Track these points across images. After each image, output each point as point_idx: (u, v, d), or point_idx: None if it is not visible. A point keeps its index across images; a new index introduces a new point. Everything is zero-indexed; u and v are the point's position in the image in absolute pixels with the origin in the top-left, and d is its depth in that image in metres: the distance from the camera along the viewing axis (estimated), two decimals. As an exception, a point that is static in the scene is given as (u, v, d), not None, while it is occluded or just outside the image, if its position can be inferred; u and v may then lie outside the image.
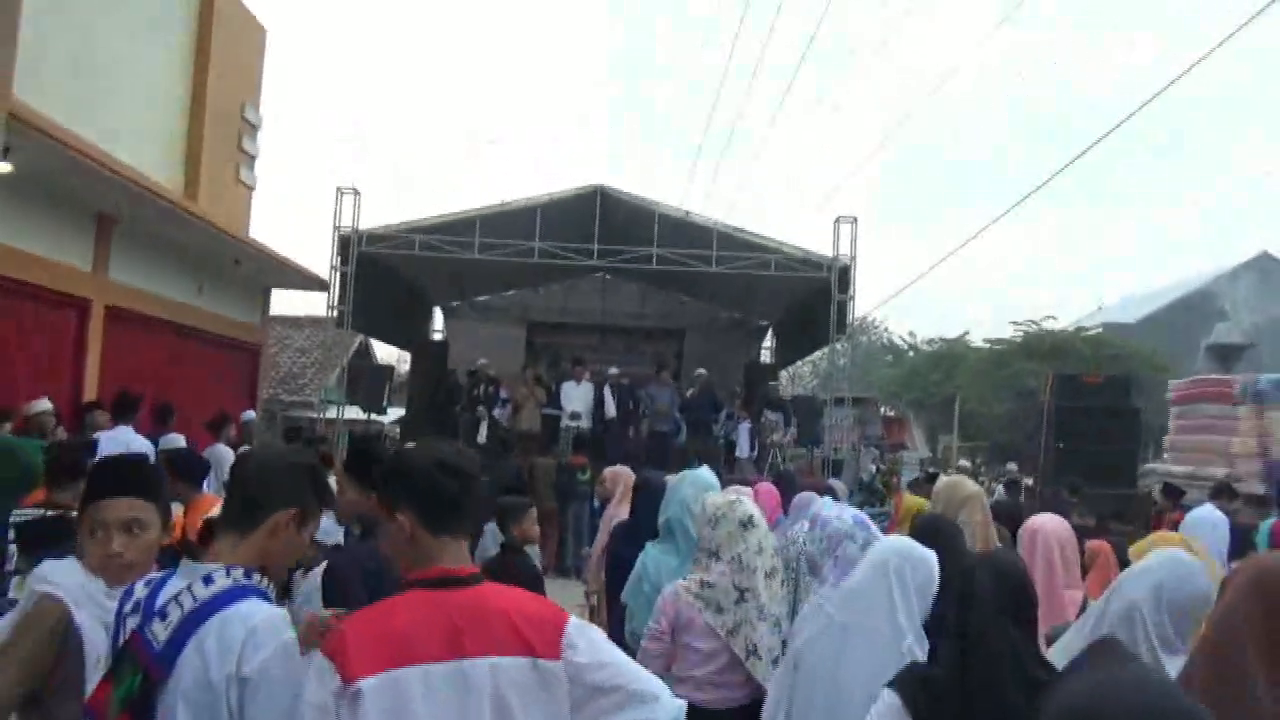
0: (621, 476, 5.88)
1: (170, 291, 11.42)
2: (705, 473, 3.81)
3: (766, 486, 5.33)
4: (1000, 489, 15.11)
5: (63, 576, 2.22)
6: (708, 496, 3.03)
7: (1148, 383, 29.85)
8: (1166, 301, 37.45)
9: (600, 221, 13.48)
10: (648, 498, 5.53)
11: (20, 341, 8.53)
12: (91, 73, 9.69)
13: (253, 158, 13.87)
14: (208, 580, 1.84)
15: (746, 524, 2.89)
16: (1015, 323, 36.77)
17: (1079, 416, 12.03)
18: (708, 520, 2.91)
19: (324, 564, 2.79)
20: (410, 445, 2.01)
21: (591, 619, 5.71)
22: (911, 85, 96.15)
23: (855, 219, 13.36)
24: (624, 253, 13.91)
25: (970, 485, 4.35)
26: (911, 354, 41.05)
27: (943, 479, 4.72)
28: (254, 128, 13.86)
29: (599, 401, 14.03)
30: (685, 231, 13.69)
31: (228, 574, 1.86)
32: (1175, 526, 9.14)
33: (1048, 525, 3.22)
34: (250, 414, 11.54)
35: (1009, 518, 4.37)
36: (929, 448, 28.78)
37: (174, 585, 1.86)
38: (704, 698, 2.93)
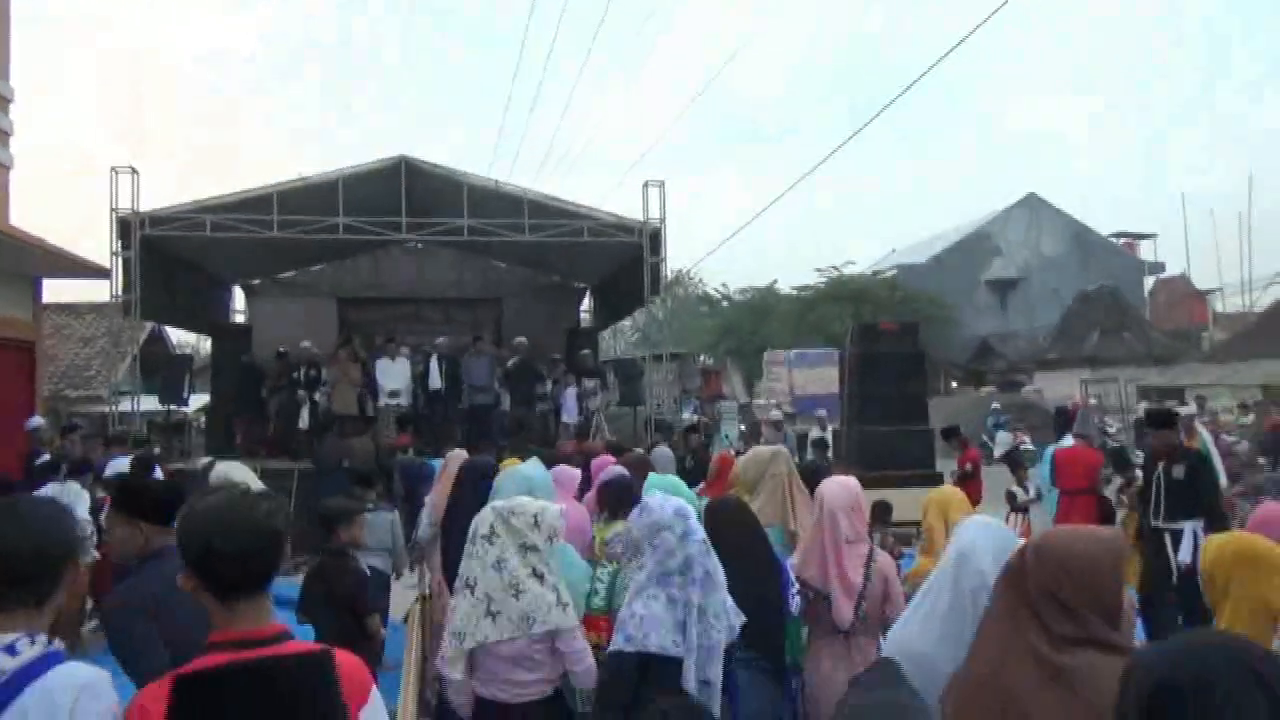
0: (452, 460, 5.83)
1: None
2: (526, 471, 3.83)
3: (604, 459, 5.46)
4: (815, 429, 16.02)
5: None
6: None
7: (937, 322, 32.36)
8: (950, 243, 40.44)
9: (407, 194, 13.10)
10: (472, 482, 5.54)
11: None
12: None
13: (6, 134, 12.50)
14: (11, 650, 1.72)
15: (489, 538, 3.05)
16: (819, 269, 38.80)
17: (876, 362, 12.90)
18: (469, 538, 3.09)
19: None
20: (208, 503, 1.91)
21: (425, 606, 5.69)
22: (715, 47, 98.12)
23: (663, 183, 13.65)
24: (434, 225, 13.60)
25: (766, 448, 4.77)
26: (726, 305, 42.47)
27: (744, 455, 5.05)
28: (5, 100, 12.48)
29: (421, 376, 13.75)
30: (496, 201, 13.54)
31: (32, 641, 1.75)
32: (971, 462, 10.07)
33: (830, 488, 3.54)
34: (37, 420, 10.54)
35: (810, 474, 4.69)
36: (746, 395, 30.00)
37: None
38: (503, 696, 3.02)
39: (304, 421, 13.19)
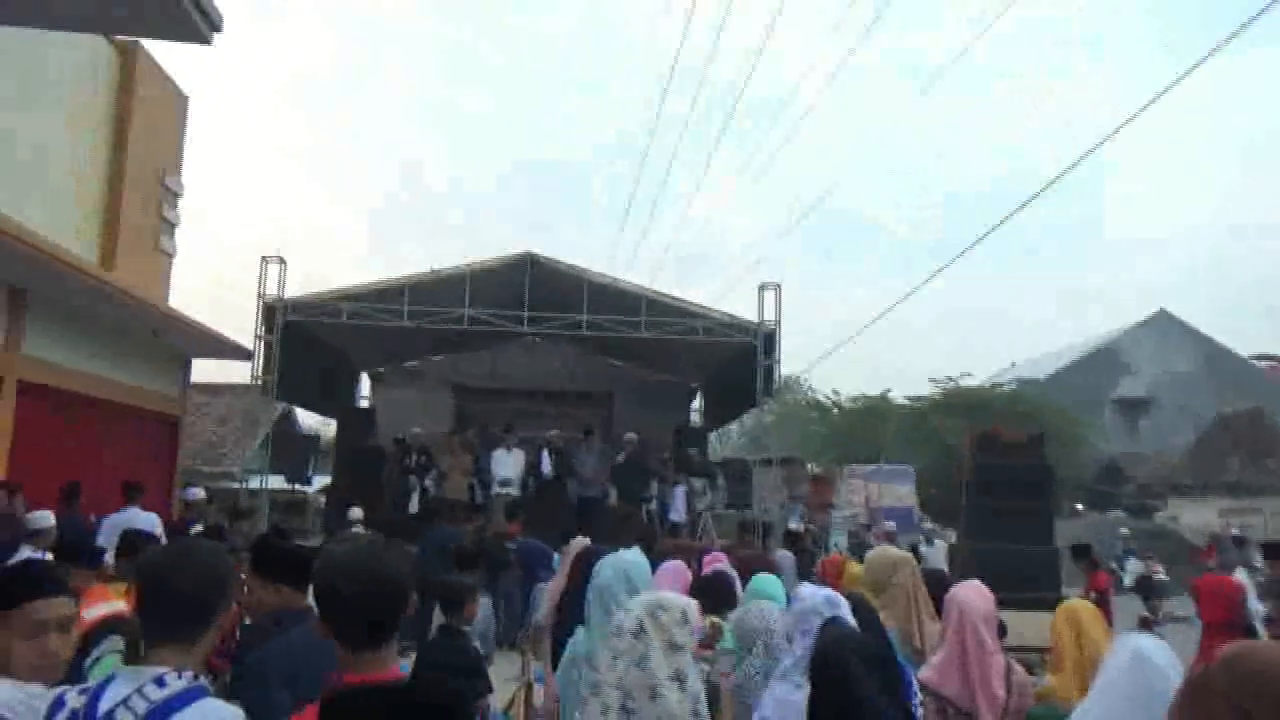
0: (574, 547, 5.88)
1: (85, 364, 11.08)
2: (627, 557, 3.82)
3: (677, 565, 5.41)
4: (923, 543, 15.42)
5: (1, 696, 2.15)
6: (621, 605, 3.07)
7: (1061, 438, 31.01)
8: (1074, 358, 39.05)
9: (530, 288, 13.60)
10: (587, 570, 5.54)
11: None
12: (6, 139, 9.49)
13: (173, 226, 13.64)
14: (160, 682, 1.82)
15: (637, 634, 2.94)
16: (934, 380, 37.93)
17: (997, 475, 12.41)
18: (613, 631, 2.95)
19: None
20: (337, 550, 1.99)
21: (529, 694, 5.66)
22: (833, 154, 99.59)
23: (779, 285, 13.77)
24: (553, 319, 14.01)
25: (897, 552, 4.50)
26: (836, 412, 41.81)
27: (872, 550, 4.87)
28: (175, 195, 13.65)
29: (533, 466, 13.99)
30: (614, 297, 13.89)
31: (180, 675, 1.85)
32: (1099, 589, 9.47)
33: (968, 595, 3.36)
34: (196, 492, 11.15)
35: (936, 583, 4.51)
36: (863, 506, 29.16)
37: (119, 690, 1.82)
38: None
39: (414, 505, 13.53)
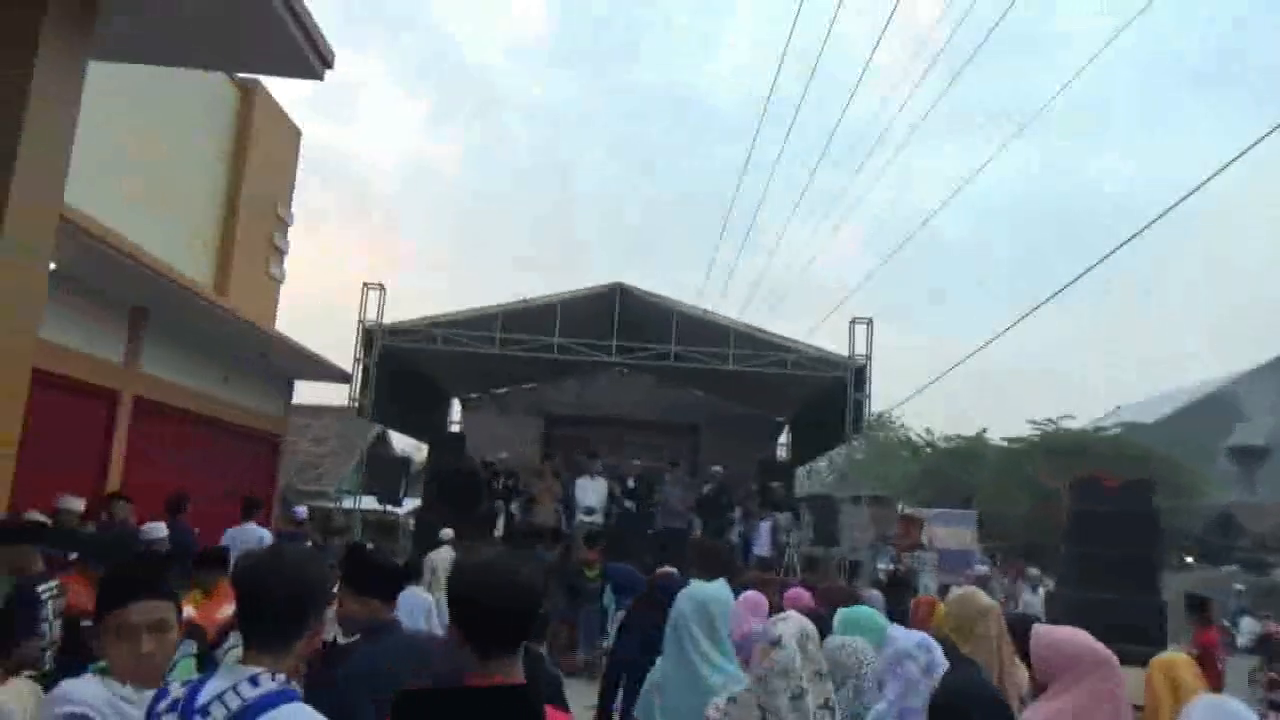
0: (660, 576, 5.88)
1: (197, 382, 11.64)
2: (707, 589, 3.79)
3: (799, 591, 5.32)
4: (1027, 590, 14.88)
5: (87, 694, 2.23)
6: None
7: (1170, 486, 29.54)
8: (1184, 402, 37.26)
9: (619, 318, 13.73)
10: (656, 598, 5.52)
11: (51, 433, 8.70)
12: (131, 170, 10.11)
13: (283, 253, 14.29)
14: (254, 681, 1.90)
15: (774, 643, 2.88)
16: (1033, 421, 36.66)
17: (1100, 521, 11.89)
18: (777, 671, 2.89)
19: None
20: (476, 557, 2.04)
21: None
22: (927, 188, 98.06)
23: (870, 320, 13.57)
24: (642, 349, 14.09)
25: (984, 598, 4.31)
26: (929, 451, 40.77)
27: (955, 591, 4.68)
28: (285, 224, 14.32)
29: (617, 495, 14.03)
30: (703, 329, 13.91)
31: (273, 677, 1.92)
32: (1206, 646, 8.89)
33: (1084, 642, 3.21)
34: (303, 511, 11.62)
35: (1021, 628, 4.32)
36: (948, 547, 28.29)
37: (216, 685, 1.90)
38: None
39: (499, 530, 13.70)
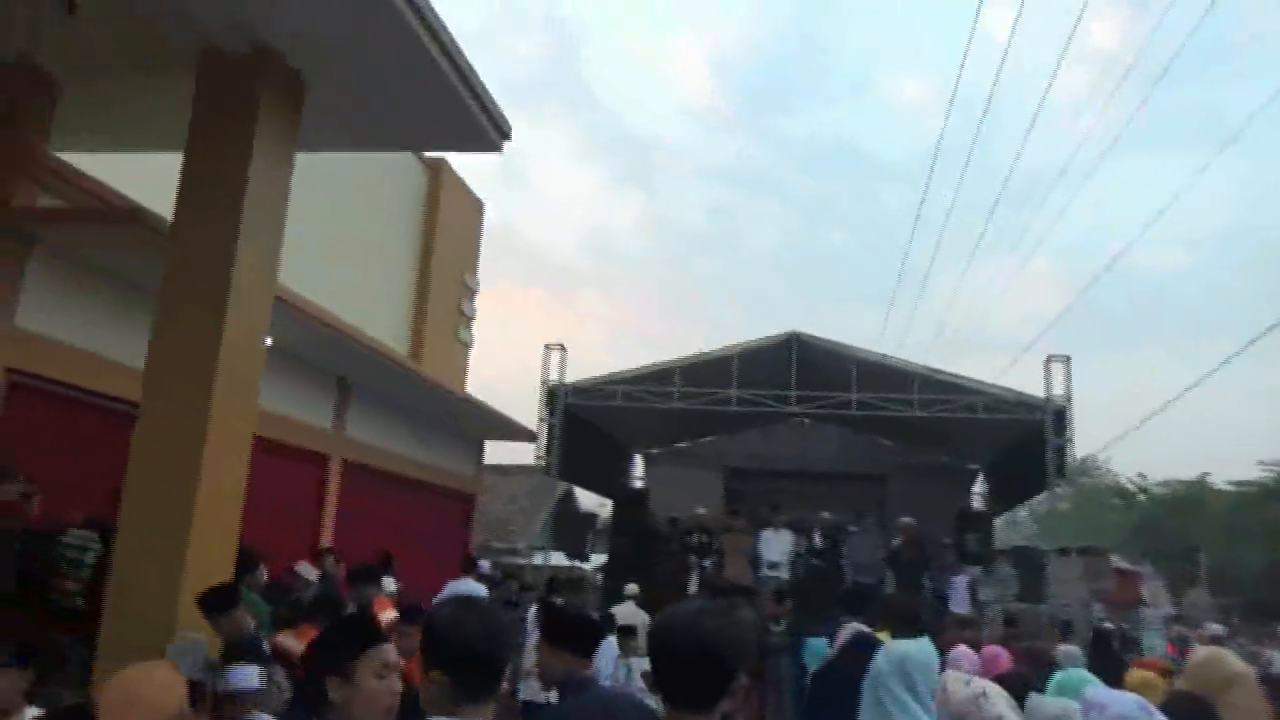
0: (846, 633, 5.67)
1: (397, 445, 12.35)
2: (907, 648, 3.56)
3: (997, 650, 4.97)
4: (1277, 653, 13.25)
5: None
6: (948, 681, 2.77)
7: None
8: None
9: (797, 368, 13.53)
10: (854, 656, 5.27)
11: (271, 494, 9.44)
12: (334, 251, 10.98)
13: (470, 319, 15.06)
14: None
15: (981, 695, 2.66)
16: (1263, 463, 33.04)
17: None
18: (950, 715, 2.66)
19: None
20: (679, 609, 1.99)
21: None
22: (1119, 220, 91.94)
23: (1068, 358, 12.72)
24: (822, 398, 13.80)
25: (1235, 663, 3.82)
26: (1143, 498, 37.56)
27: (1199, 652, 4.19)
28: (472, 291, 15.11)
29: (803, 551, 13.68)
30: (884, 375, 13.48)
31: None
32: None
33: None
34: (485, 564, 12.13)
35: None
36: (1171, 605, 25.73)
37: None
38: None
39: (693, 587, 13.61)
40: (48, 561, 4.70)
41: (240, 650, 3.75)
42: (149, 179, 6.22)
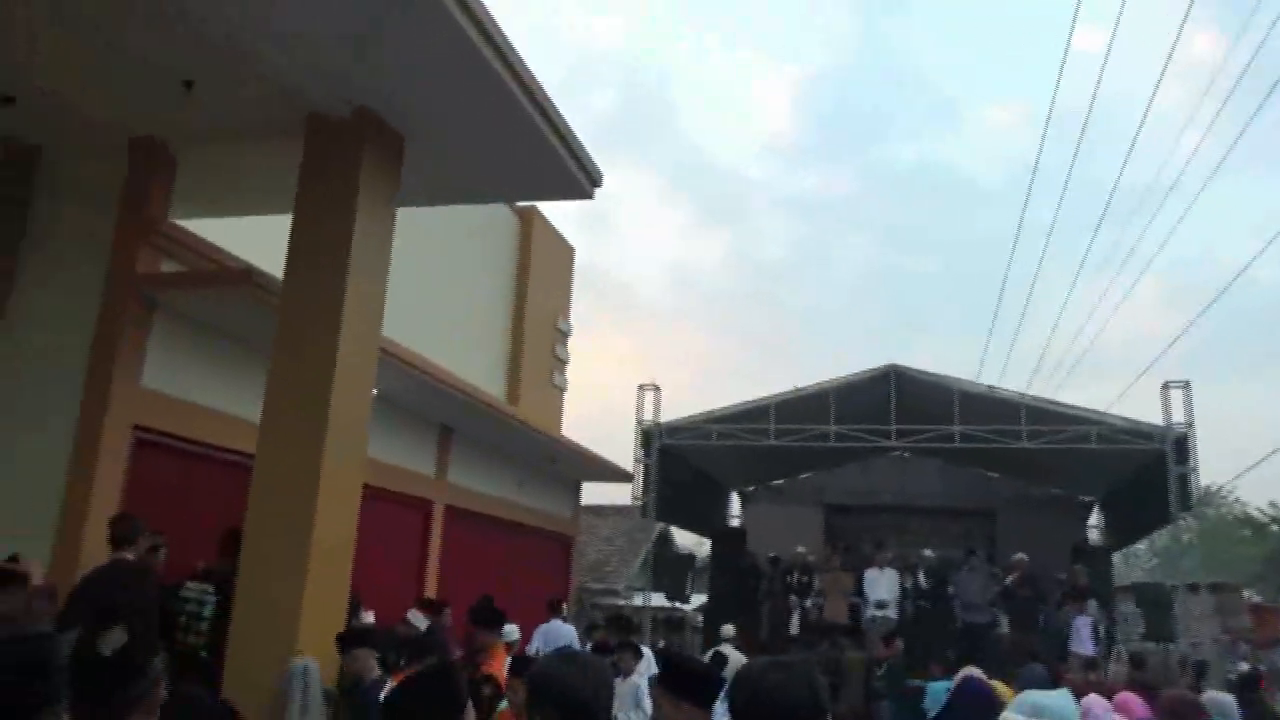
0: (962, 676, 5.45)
1: (496, 489, 12.52)
2: (1044, 701, 3.35)
3: (1128, 697, 4.69)
4: None
5: None
6: None
7: None
8: None
9: (896, 401, 13.23)
10: (966, 705, 5.03)
11: (378, 538, 9.66)
12: (433, 302, 11.28)
13: (564, 362, 15.25)
14: None
15: None
16: None
17: None
18: None
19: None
20: (760, 667, 1.98)
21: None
22: (1231, 235, 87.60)
23: (1187, 383, 12.10)
24: (922, 432, 13.45)
25: None
26: (1276, 529, 35.26)
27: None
28: (564, 335, 15.32)
29: (908, 588, 13.28)
30: (987, 406, 13.05)
31: None
32: None
33: None
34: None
35: None
36: (1317, 642, 23.93)
37: None
38: None
39: (794, 628, 13.34)
40: (170, 614, 4.88)
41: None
42: (262, 241, 6.53)
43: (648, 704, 6.57)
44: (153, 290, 6.24)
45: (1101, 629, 12.49)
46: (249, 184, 6.55)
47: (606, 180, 6.09)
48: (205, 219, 6.86)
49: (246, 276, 6.09)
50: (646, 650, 7.64)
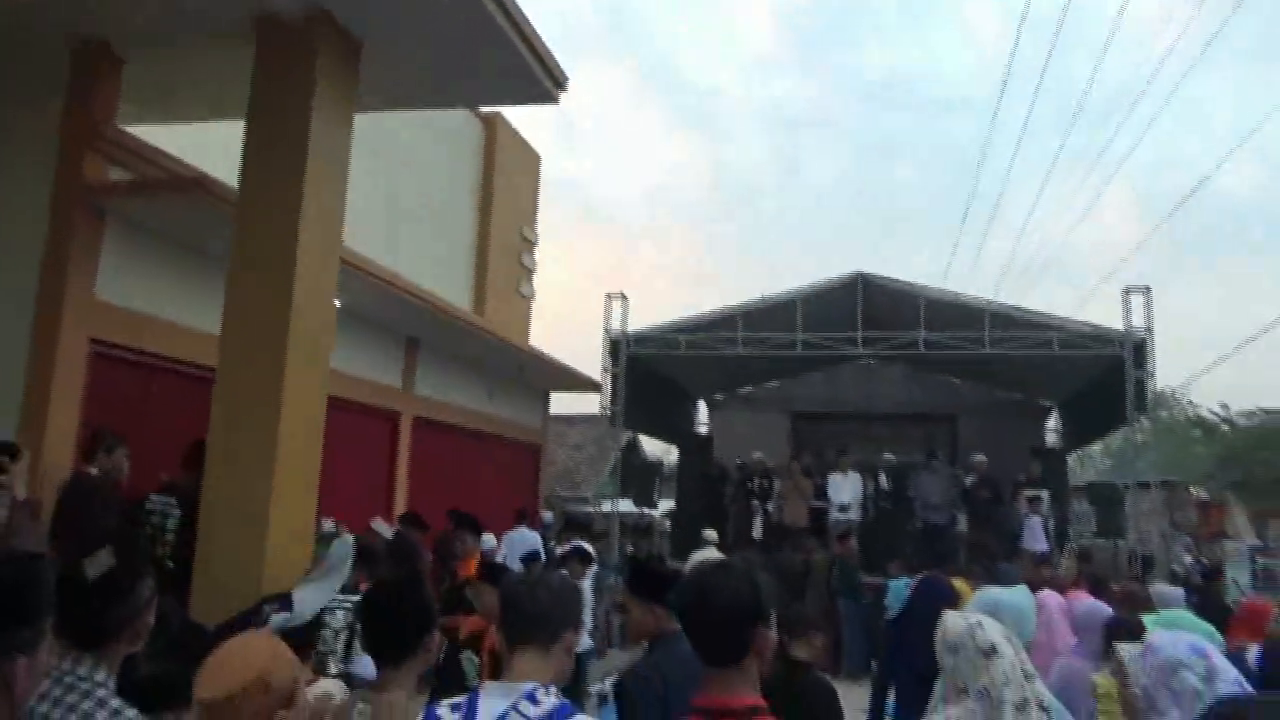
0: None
1: (464, 400, 12.52)
2: (1010, 595, 3.47)
3: (1056, 599, 4.87)
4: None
5: None
6: (945, 618, 2.70)
7: None
8: None
9: (863, 308, 13.30)
10: (924, 601, 5.21)
11: (345, 451, 9.66)
12: (396, 212, 11.06)
13: (530, 272, 15.10)
14: (532, 698, 1.88)
15: (989, 652, 2.55)
16: (1358, 389, 31.64)
17: None
18: (947, 648, 2.58)
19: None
20: (696, 565, 2.04)
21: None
22: (1199, 141, 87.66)
23: (1147, 288, 12.26)
24: (889, 339, 13.57)
25: None
26: (1227, 429, 36.36)
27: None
28: (531, 244, 15.13)
29: (870, 491, 13.62)
30: (953, 313, 13.16)
31: (548, 691, 1.91)
32: None
33: None
34: (548, 515, 12.37)
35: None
36: (1258, 535, 24.99)
37: (493, 706, 1.89)
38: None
39: (757, 531, 13.67)
40: (138, 526, 4.88)
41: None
42: (215, 148, 6.30)
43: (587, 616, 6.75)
44: (102, 199, 6.03)
45: (1051, 525, 12.93)
46: (200, 90, 6.28)
47: (579, 91, 5.91)
48: (157, 125, 6.61)
49: (199, 184, 5.90)
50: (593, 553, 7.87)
